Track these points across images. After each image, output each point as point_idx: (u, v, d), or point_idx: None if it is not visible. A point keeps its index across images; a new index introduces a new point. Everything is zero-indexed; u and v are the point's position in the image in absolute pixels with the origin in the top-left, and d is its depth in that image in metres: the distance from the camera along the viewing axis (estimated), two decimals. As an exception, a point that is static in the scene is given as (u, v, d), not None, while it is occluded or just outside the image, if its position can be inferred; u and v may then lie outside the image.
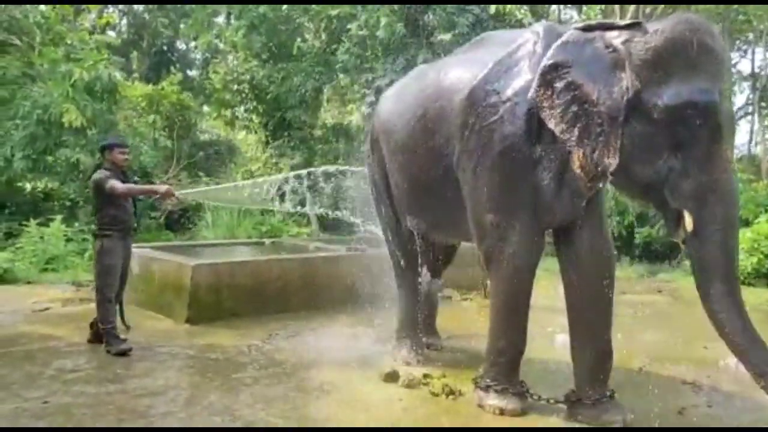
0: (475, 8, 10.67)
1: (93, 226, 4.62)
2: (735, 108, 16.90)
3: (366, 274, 6.42)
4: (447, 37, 10.19)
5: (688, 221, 2.77)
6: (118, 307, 4.62)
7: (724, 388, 4.00)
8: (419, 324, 4.52)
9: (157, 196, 4.62)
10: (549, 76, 2.99)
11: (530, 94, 3.06)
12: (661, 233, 10.10)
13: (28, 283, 7.27)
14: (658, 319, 5.96)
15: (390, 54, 10.83)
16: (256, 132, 14.87)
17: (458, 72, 3.65)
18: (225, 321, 5.35)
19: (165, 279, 5.66)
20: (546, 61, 3.02)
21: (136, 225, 4.76)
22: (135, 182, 4.76)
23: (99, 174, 4.50)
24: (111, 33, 18.22)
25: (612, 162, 2.85)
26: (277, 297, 5.83)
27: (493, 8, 10.43)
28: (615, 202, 9.90)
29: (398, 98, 4.20)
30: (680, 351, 4.88)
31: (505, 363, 3.47)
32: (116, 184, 4.39)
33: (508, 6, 10.37)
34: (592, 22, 3.14)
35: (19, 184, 10.54)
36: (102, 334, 4.44)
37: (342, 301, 6.08)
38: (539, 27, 3.41)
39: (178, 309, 5.39)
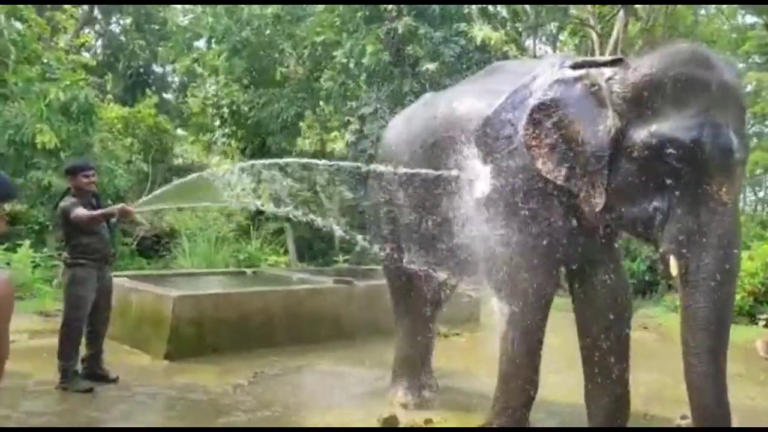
0: (461, 39, 10.68)
1: (65, 254, 4.27)
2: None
3: (354, 308, 6.20)
4: (432, 66, 10.16)
5: (673, 266, 2.62)
6: (89, 342, 4.30)
7: None
8: (417, 364, 4.30)
9: (115, 218, 4.29)
10: (537, 115, 2.93)
11: (514, 131, 3.01)
12: (641, 267, 10.09)
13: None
14: (647, 359, 5.81)
15: (374, 83, 10.75)
16: (233, 157, 14.60)
17: (471, 101, 3.51)
18: (206, 357, 5.02)
19: (143, 311, 5.33)
20: (534, 101, 2.96)
21: (114, 253, 4.45)
22: (105, 206, 4.42)
23: (65, 202, 4.20)
24: (86, 54, 17.94)
25: (599, 202, 2.77)
26: (261, 331, 5.53)
27: (479, 39, 10.43)
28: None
29: (406, 126, 4.04)
30: (679, 392, 4.70)
31: (516, 408, 3.25)
32: (80, 212, 4.08)
33: (494, 38, 10.38)
34: (580, 60, 3.07)
35: (-9, 207, 10.07)
36: (60, 370, 4.11)
37: (329, 336, 5.83)
38: (556, 58, 3.31)
39: (156, 344, 5.05)
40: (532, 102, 2.96)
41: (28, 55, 10.18)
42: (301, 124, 13.03)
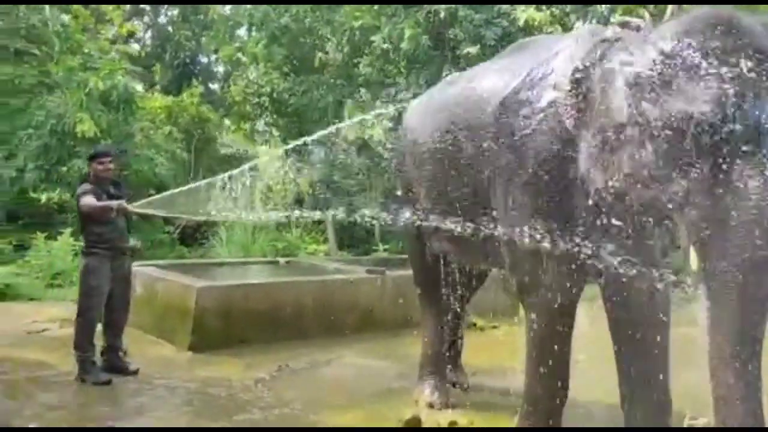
0: (503, 20, 10.28)
1: (82, 244, 4.25)
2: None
3: (387, 299, 6.00)
4: (473, 50, 9.80)
5: (694, 257, 2.30)
6: (106, 334, 4.24)
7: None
8: (445, 360, 4.08)
9: (113, 213, 4.16)
10: (575, 81, 2.64)
11: (530, 109, 2.80)
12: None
13: (31, 300, 6.93)
14: (694, 356, 5.38)
15: (414, 68, 10.47)
16: (275, 146, 14.60)
17: (491, 80, 3.26)
18: (232, 349, 4.90)
19: (168, 301, 5.26)
20: (567, 76, 2.67)
21: (133, 246, 4.37)
22: (123, 196, 4.32)
23: (80, 189, 4.16)
24: (135, 45, 18.25)
25: (614, 182, 2.48)
26: (290, 323, 5.39)
27: (522, 20, 10.01)
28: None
29: (426, 108, 3.81)
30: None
31: (545, 412, 3.01)
32: (86, 201, 4.02)
33: (538, 18, 9.94)
34: (610, 32, 2.74)
35: (33, 194, 10.31)
36: (78, 361, 4.05)
37: (361, 327, 5.65)
38: (581, 31, 3.00)
39: (181, 335, 4.98)
40: (567, 77, 2.67)
41: (71, 45, 10.33)
42: (342, 111, 12.90)
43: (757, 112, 2.19)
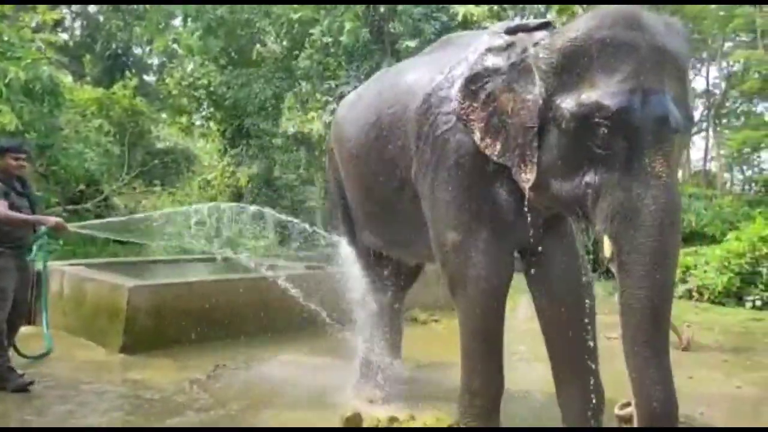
0: (443, 15, 10.34)
1: None
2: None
3: (326, 295, 5.92)
4: (413, 44, 9.83)
5: (606, 247, 2.37)
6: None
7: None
8: (384, 354, 4.05)
9: (45, 228, 3.95)
10: (471, 86, 2.73)
11: (454, 106, 2.80)
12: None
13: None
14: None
15: (354, 61, 10.41)
16: (213, 140, 14.26)
17: (415, 76, 3.29)
18: (166, 350, 4.74)
19: (98, 302, 5.03)
20: (468, 72, 2.75)
21: (40, 241, 4.10)
22: (30, 195, 4.11)
23: None
24: (63, 35, 17.41)
25: (528, 178, 2.55)
26: (226, 322, 5.24)
27: (460, 15, 10.09)
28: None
29: (354, 103, 3.83)
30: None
31: (483, 405, 3.02)
32: None
33: (476, 13, 10.05)
34: (513, 24, 2.83)
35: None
36: None
37: (299, 326, 5.54)
38: (497, 27, 3.03)
39: (112, 336, 4.77)
40: (466, 73, 2.75)
41: (-11, 33, 9.73)
42: (281, 104, 12.71)
43: (659, 105, 2.26)
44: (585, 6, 12.45)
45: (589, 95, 2.32)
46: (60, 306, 5.29)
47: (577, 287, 2.99)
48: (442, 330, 6.05)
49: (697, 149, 18.45)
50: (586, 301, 2.94)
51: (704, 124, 17.69)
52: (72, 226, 4.16)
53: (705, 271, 8.56)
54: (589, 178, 2.39)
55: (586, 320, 2.91)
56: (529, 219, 2.78)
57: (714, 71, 17.42)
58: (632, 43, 2.30)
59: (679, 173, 17.60)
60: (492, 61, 2.70)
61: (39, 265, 4.62)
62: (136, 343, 4.72)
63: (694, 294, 8.42)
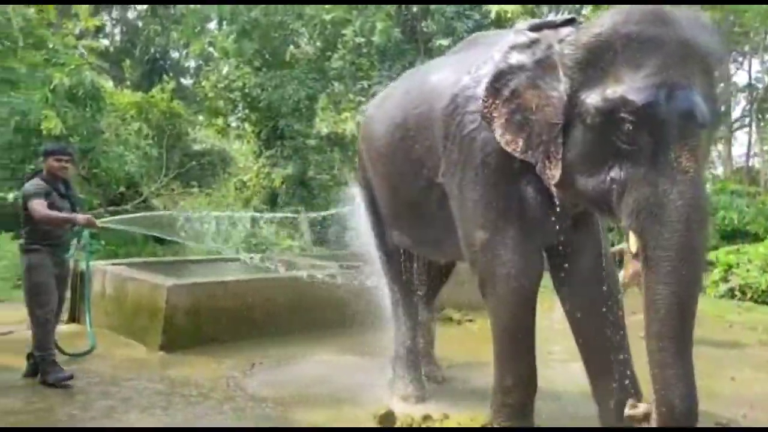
0: (476, 13, 10.28)
1: (21, 240, 4.10)
2: (732, 119, 16.69)
3: (361, 294, 5.96)
4: (445, 42, 9.80)
5: (632, 243, 2.37)
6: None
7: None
8: (418, 353, 4.06)
9: (77, 226, 4.09)
10: (496, 84, 2.72)
11: (478, 104, 2.79)
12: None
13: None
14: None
15: (386, 60, 10.42)
16: (248, 141, 14.44)
17: (441, 76, 3.31)
18: (203, 348, 4.83)
19: (139, 301, 5.16)
20: (493, 69, 2.75)
21: (83, 242, 4.26)
22: (72, 196, 4.25)
23: (29, 185, 4.01)
24: (104, 41, 17.89)
25: (554, 174, 2.55)
26: (262, 320, 5.33)
27: (493, 13, 10.02)
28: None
29: (381, 103, 3.86)
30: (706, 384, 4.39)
31: (516, 404, 3.01)
32: (36, 206, 3.88)
33: (510, 11, 9.96)
34: (539, 21, 2.83)
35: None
36: (37, 362, 3.96)
37: (334, 324, 5.60)
38: (523, 25, 3.02)
39: (151, 334, 4.89)
40: (491, 71, 2.75)
41: (35, 40, 10.06)
42: (314, 105, 12.80)
43: (685, 100, 2.24)
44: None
45: (615, 90, 2.32)
46: (102, 305, 5.44)
47: (604, 283, 2.97)
48: (476, 330, 6.02)
49: (740, 145, 18.01)
50: (614, 295, 2.95)
51: (747, 119, 17.20)
52: (99, 222, 4.28)
53: (748, 270, 8.33)
54: (615, 173, 2.39)
55: (615, 315, 2.93)
56: (557, 217, 2.78)
57: (756, 65, 16.92)
58: (658, 38, 2.28)
59: (720, 169, 17.24)
60: (516, 58, 2.70)
61: (82, 265, 4.80)
62: (174, 341, 4.83)
63: (737, 293, 8.21)
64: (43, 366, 3.93)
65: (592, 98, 2.39)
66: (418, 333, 4.07)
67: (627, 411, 2.42)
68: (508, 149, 2.68)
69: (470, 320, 6.40)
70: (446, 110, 3.06)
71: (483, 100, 2.74)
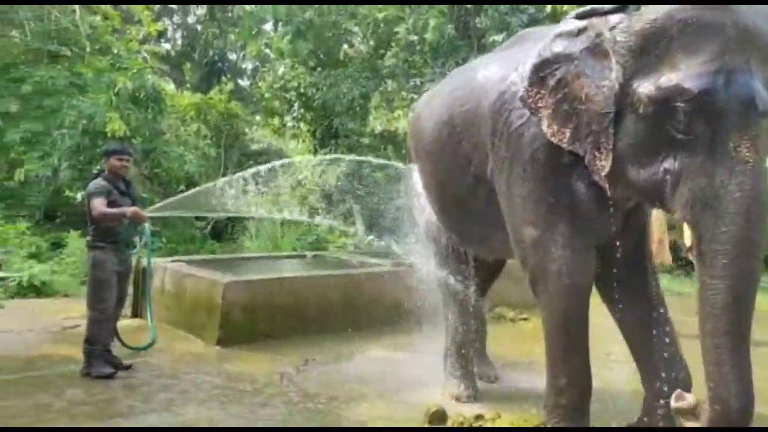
0: (531, 8, 10.10)
1: (88, 237, 4.29)
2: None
3: (414, 292, 5.95)
4: (499, 38, 9.66)
5: (687, 235, 2.32)
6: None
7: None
8: (470, 351, 4.03)
9: (126, 219, 4.22)
10: (540, 73, 2.64)
11: (520, 94, 2.73)
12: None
13: (66, 296, 7.08)
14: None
15: (439, 57, 10.36)
16: (304, 140, 14.64)
17: (487, 72, 3.25)
18: (258, 343, 4.93)
19: (197, 297, 5.31)
20: (536, 58, 2.66)
21: (145, 239, 4.44)
22: (132, 194, 4.43)
23: (92, 185, 4.20)
24: (166, 45, 18.48)
25: (603, 165, 2.46)
26: (316, 317, 5.40)
27: (549, 7, 9.82)
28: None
29: (429, 101, 3.83)
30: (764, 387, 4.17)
31: (570, 405, 2.94)
32: (96, 204, 4.06)
33: (566, 6, 9.73)
34: (587, 8, 2.68)
35: (69, 193, 10.54)
36: (84, 354, 4.11)
37: (386, 321, 5.62)
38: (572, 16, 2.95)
39: (209, 330, 5.02)
40: (535, 59, 2.67)
41: (101, 46, 10.50)
42: (368, 104, 12.87)
43: (745, 86, 2.14)
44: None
45: (670, 78, 2.23)
46: (162, 300, 5.63)
47: (647, 276, 2.97)
48: (530, 328, 5.92)
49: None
50: (656, 288, 2.95)
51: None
52: (147, 211, 4.43)
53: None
54: (669, 164, 2.30)
55: (661, 309, 2.92)
56: (610, 212, 2.72)
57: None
58: (716, 23, 2.17)
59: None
60: (562, 46, 2.62)
61: (144, 262, 4.98)
62: (230, 336, 4.94)
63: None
64: (89, 359, 4.08)
65: (645, 86, 2.31)
66: (470, 331, 4.03)
67: (673, 403, 2.33)
68: (555, 140, 2.62)
69: (524, 318, 6.30)
70: (493, 107, 3.02)
71: (526, 90, 2.69)
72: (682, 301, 7.11)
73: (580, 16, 2.64)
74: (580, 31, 2.59)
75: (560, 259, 2.83)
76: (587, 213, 2.80)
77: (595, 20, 2.57)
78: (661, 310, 2.94)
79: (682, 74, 2.20)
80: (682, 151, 2.26)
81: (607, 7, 2.62)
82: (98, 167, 9.32)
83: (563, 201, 2.82)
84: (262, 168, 5.25)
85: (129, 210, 4.16)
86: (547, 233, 2.86)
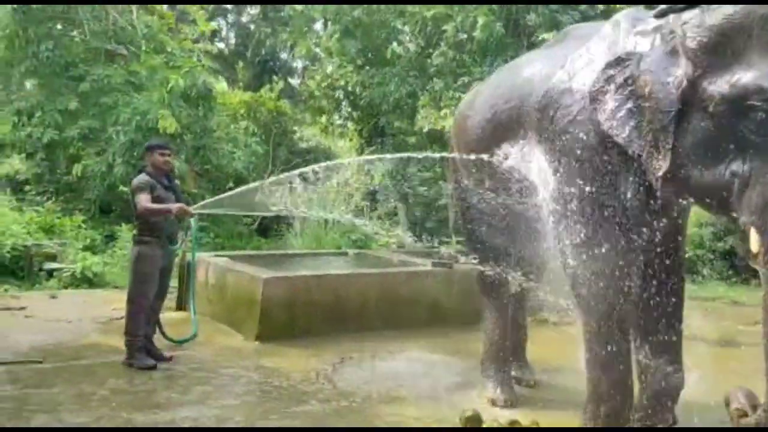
0: (582, 6, 9.85)
1: (134, 231, 4.39)
2: None
3: (454, 293, 5.89)
4: (549, 36, 9.45)
5: (754, 241, 2.18)
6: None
7: None
8: (509, 355, 3.97)
9: (171, 215, 4.28)
10: (612, 70, 2.58)
11: (573, 98, 2.71)
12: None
13: (116, 287, 7.30)
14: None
15: (488, 56, 10.22)
16: (351, 139, 14.71)
17: (532, 70, 3.21)
18: (297, 340, 4.96)
19: (238, 292, 5.39)
20: (610, 56, 2.63)
21: (189, 235, 4.52)
22: (176, 188, 4.50)
23: (136, 180, 4.28)
24: (220, 44, 18.89)
25: (662, 165, 2.38)
26: (355, 315, 5.40)
27: (601, 6, 9.57)
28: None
29: (472, 100, 3.79)
30: None
31: (611, 412, 2.86)
32: (140, 200, 4.13)
33: (618, 4, 9.45)
34: (665, 6, 2.62)
35: (123, 188, 10.86)
36: (126, 345, 4.20)
37: (425, 321, 5.58)
38: (621, 16, 2.89)
39: (249, 325, 5.08)
40: (606, 57, 2.63)
41: (156, 45, 10.78)
42: (415, 103, 12.82)
43: None
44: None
45: (745, 76, 2.15)
46: (205, 294, 5.73)
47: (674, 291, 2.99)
48: (574, 333, 5.75)
49: None
50: (679, 299, 3.00)
51: None
52: (192, 209, 4.47)
53: None
54: (737, 166, 2.22)
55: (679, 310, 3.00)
56: (657, 214, 2.66)
57: None
58: None
59: None
60: (636, 44, 2.59)
61: (189, 256, 5.09)
62: (269, 331, 4.98)
63: None
64: (130, 350, 4.18)
65: (717, 84, 2.23)
66: (509, 333, 3.95)
67: (734, 404, 2.27)
68: (612, 133, 2.56)
69: (568, 322, 6.15)
70: (540, 104, 2.97)
71: (594, 85, 2.63)
72: (736, 310, 6.87)
73: (657, 15, 2.60)
74: (654, 30, 2.56)
75: (604, 261, 2.76)
76: (634, 216, 2.74)
77: (671, 18, 2.52)
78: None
79: (760, 73, 2.12)
80: (753, 153, 2.18)
81: (681, 5, 2.57)
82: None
83: (609, 201, 2.76)
84: (306, 170, 5.26)
85: (175, 206, 4.25)
86: (593, 234, 2.79)
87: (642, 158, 2.49)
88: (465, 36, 10.15)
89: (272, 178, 5.50)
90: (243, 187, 5.20)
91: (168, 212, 4.24)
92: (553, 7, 9.70)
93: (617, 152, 2.62)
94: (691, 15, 2.40)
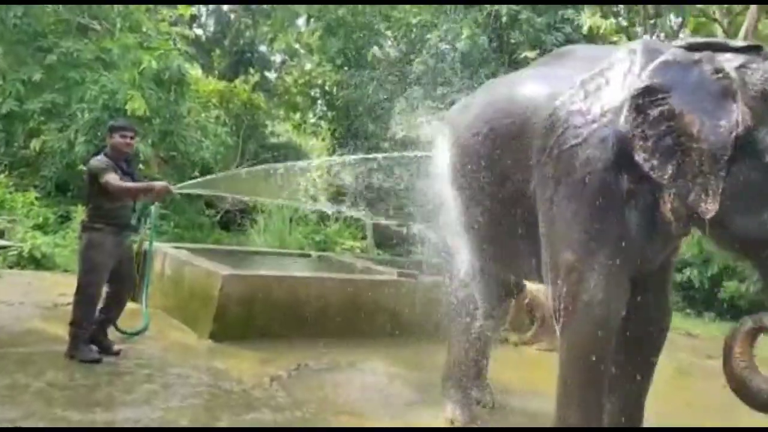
0: (567, 27, 9.92)
1: (83, 217, 4.13)
2: None
3: (417, 304, 5.77)
4: (532, 54, 9.47)
5: None
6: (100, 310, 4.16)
7: None
8: (470, 375, 3.85)
9: (153, 194, 4.09)
10: (642, 100, 2.52)
11: (622, 119, 2.58)
12: (751, 290, 9.01)
13: (65, 271, 6.97)
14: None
15: (469, 68, 10.18)
16: (323, 139, 14.53)
17: (535, 88, 3.12)
18: (253, 341, 4.74)
19: (195, 286, 5.17)
20: (640, 83, 2.54)
21: (138, 222, 4.33)
22: (134, 173, 4.28)
23: (96, 161, 4.02)
24: (198, 30, 18.46)
25: (711, 208, 2.35)
26: (314, 319, 5.21)
27: (586, 27, 9.63)
28: (699, 248, 8.94)
29: (463, 111, 3.65)
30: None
31: None
32: (111, 180, 3.89)
33: (603, 25, 9.54)
34: (700, 40, 2.62)
35: (82, 168, 10.46)
36: (71, 337, 3.95)
37: (386, 332, 5.43)
38: (637, 44, 2.87)
39: (203, 322, 4.86)
40: (637, 85, 2.55)
41: (132, 24, 10.42)
42: (392, 108, 12.72)
43: None
44: (726, 23, 11.51)
45: None
46: (161, 286, 5.50)
47: (662, 320, 3.02)
48: (534, 354, 5.71)
49: None
50: (663, 331, 3.04)
51: None
52: (174, 188, 4.31)
53: None
54: None
55: (653, 357, 3.03)
56: (659, 246, 2.67)
57: None
58: None
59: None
60: (673, 76, 2.51)
61: (146, 245, 4.86)
62: (224, 330, 4.78)
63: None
64: (74, 341, 3.93)
65: None
66: (473, 353, 3.84)
67: None
68: (652, 174, 2.50)
69: (528, 343, 6.09)
70: (546, 123, 2.88)
71: (627, 115, 2.55)
72: (691, 342, 6.93)
73: (692, 48, 2.55)
74: (693, 64, 2.50)
75: (594, 288, 2.69)
76: (633, 244, 2.68)
77: (708, 54, 2.49)
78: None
79: None
80: None
81: (727, 43, 2.58)
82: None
83: (610, 229, 2.70)
84: (279, 166, 5.16)
85: (158, 184, 4.02)
86: (585, 259, 2.72)
87: (690, 200, 2.43)
88: (448, 46, 10.08)
89: (253, 168, 5.43)
90: (227, 172, 5.10)
91: (149, 191, 4.01)
92: (539, 25, 9.73)
93: (628, 180, 2.58)
94: (748, 59, 2.41)
